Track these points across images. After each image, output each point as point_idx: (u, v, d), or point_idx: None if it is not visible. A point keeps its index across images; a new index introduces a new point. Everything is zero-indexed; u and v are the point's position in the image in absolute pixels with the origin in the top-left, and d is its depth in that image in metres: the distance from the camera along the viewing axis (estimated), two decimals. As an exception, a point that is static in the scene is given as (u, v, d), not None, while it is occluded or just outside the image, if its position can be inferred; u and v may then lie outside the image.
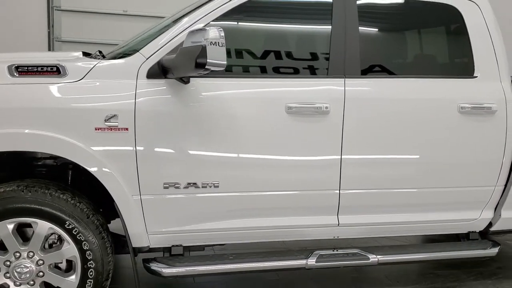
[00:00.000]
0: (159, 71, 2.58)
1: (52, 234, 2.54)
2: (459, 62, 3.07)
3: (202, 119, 2.61)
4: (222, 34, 2.26)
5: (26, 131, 2.43)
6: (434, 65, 3.16)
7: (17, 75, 2.50)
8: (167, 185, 2.62)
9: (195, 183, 2.65)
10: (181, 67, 2.40)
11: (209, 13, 2.70)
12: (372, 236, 3.02)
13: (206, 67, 2.26)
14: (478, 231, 3.21)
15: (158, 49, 2.62)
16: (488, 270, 3.61)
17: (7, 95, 2.45)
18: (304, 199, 2.81)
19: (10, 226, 2.49)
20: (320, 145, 2.76)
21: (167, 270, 2.66)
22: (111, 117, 2.50)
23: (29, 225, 2.53)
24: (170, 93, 2.58)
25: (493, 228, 3.19)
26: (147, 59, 2.60)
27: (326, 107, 2.72)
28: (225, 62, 2.28)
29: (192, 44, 2.35)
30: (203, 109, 2.61)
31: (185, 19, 2.71)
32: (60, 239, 2.58)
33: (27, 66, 2.54)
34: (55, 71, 2.54)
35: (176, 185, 2.63)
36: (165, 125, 2.56)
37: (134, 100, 2.53)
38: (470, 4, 3.07)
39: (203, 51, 2.23)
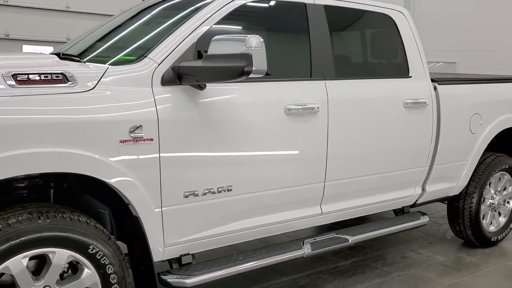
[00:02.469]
0: (175, 77, 2.49)
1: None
2: (398, 64, 3.59)
3: (217, 124, 2.60)
4: (262, 42, 2.32)
5: (50, 149, 2.12)
6: (381, 67, 3.64)
7: (17, 84, 2.15)
8: (187, 194, 2.55)
9: (212, 189, 2.63)
10: (217, 74, 2.36)
11: (210, 17, 2.68)
12: (341, 219, 3.37)
13: (251, 75, 2.30)
14: (409, 205, 3.82)
15: (168, 54, 2.51)
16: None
17: (9, 108, 2.09)
18: (299, 193, 3.01)
19: (25, 261, 2.15)
20: (312, 142, 2.98)
21: (190, 280, 2.60)
22: (136, 128, 2.34)
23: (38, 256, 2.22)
24: (187, 99, 2.51)
25: (419, 201, 3.84)
26: (159, 64, 2.48)
27: (318, 107, 2.95)
28: (266, 69, 2.34)
29: (221, 52, 2.35)
30: (218, 115, 2.60)
31: (188, 23, 2.63)
32: (74, 267, 2.32)
33: (27, 74, 2.20)
34: (61, 79, 2.25)
35: (195, 193, 2.58)
36: (185, 133, 2.49)
37: (155, 109, 2.40)
38: (399, 13, 3.61)
39: (249, 59, 2.26)
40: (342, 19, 3.30)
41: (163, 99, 2.44)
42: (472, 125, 3.92)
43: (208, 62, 2.38)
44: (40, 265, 2.24)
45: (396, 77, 3.51)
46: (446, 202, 4.28)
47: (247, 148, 2.71)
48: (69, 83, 2.26)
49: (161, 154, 2.42)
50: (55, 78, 2.25)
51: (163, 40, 2.56)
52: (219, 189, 2.66)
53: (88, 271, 2.31)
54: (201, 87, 2.53)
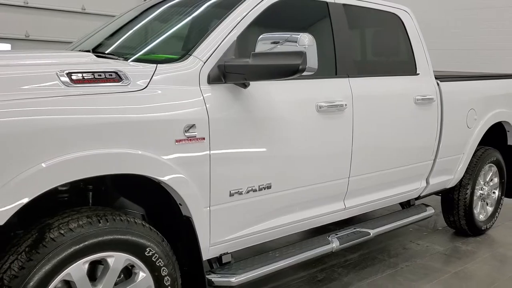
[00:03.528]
0: (220, 75, 2.47)
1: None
2: (407, 62, 3.71)
3: (259, 122, 2.60)
4: (314, 39, 2.35)
5: (115, 150, 2.06)
6: (392, 65, 3.74)
7: (72, 83, 2.07)
8: (233, 193, 2.55)
9: (254, 187, 2.64)
10: (269, 72, 2.37)
11: (246, 14, 2.68)
12: (360, 213, 3.46)
13: (305, 72, 2.32)
14: (415, 198, 3.97)
15: (212, 52, 2.50)
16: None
17: (69, 108, 2.01)
18: (328, 189, 3.06)
19: (85, 267, 2.08)
20: (340, 138, 3.04)
21: (236, 279, 2.59)
22: (190, 127, 2.31)
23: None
24: (231, 98, 2.50)
25: (423, 194, 4.00)
26: (204, 63, 2.46)
27: (345, 104, 3.02)
28: (317, 67, 2.37)
29: (270, 50, 2.36)
30: (259, 113, 2.61)
31: (227, 21, 2.61)
32: (127, 271, 2.26)
33: (82, 73, 2.12)
34: (114, 78, 2.19)
35: (240, 191, 2.58)
36: (231, 131, 2.48)
37: (205, 108, 2.38)
38: (404, 12, 3.74)
39: (304, 57, 2.29)
40: (357, 18, 3.38)
41: (211, 98, 2.42)
42: (469, 120, 4.11)
43: (257, 60, 2.38)
44: (93, 270, 2.17)
45: (406, 75, 3.64)
46: (440, 194, 4.47)
47: (284, 146, 2.73)
48: (122, 81, 2.20)
49: (211, 153, 2.40)
50: (108, 76, 2.18)
51: (205, 38, 2.54)
52: (260, 187, 2.66)
53: (143, 275, 2.26)
54: (245, 85, 2.53)
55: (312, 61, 2.34)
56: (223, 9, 2.80)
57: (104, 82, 2.16)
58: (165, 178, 2.24)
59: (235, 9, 2.68)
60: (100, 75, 2.16)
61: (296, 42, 2.32)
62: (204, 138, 2.36)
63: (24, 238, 2.00)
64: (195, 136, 2.33)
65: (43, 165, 1.89)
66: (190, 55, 2.47)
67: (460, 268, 3.88)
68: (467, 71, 5.13)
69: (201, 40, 2.53)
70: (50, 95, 1.98)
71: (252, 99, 2.58)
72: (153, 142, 2.20)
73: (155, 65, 2.36)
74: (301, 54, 2.28)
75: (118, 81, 2.19)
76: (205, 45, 2.51)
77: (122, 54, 2.70)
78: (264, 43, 2.40)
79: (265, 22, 2.84)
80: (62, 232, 2.00)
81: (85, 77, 2.12)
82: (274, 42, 2.38)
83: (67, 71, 2.09)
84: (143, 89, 2.24)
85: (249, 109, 2.56)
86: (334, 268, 3.77)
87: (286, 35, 2.36)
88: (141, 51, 2.72)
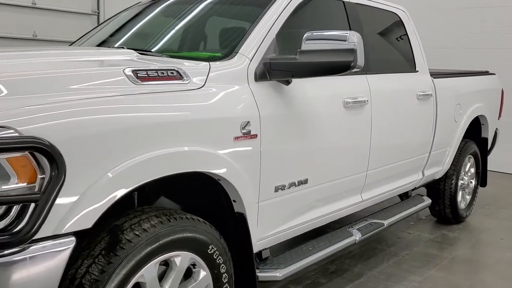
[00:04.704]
0: (265, 72, 2.50)
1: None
2: (408, 60, 3.88)
3: (299, 118, 2.65)
4: (361, 38, 2.44)
5: (186, 148, 2.04)
6: (396, 62, 3.89)
7: (139, 81, 2.03)
8: (277, 188, 2.58)
9: (294, 182, 2.69)
10: (319, 69, 2.42)
11: (282, 12, 2.72)
12: (371, 205, 3.59)
13: (354, 69, 2.40)
14: (412, 189, 4.16)
15: (256, 50, 2.52)
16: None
17: (136, 107, 1.98)
18: (351, 183, 3.16)
19: (156, 267, 2.05)
20: (361, 133, 3.15)
21: (281, 273, 2.63)
22: (246, 124, 2.32)
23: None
24: (276, 95, 2.54)
25: (418, 185, 4.21)
26: (251, 60, 2.48)
27: (366, 100, 3.13)
28: (363, 63, 2.46)
29: (317, 48, 2.42)
30: (299, 109, 2.66)
31: (265, 18, 2.64)
32: (187, 271, 2.24)
33: (146, 71, 2.09)
34: (175, 76, 2.17)
35: (283, 187, 2.62)
36: (277, 128, 2.51)
37: (256, 105, 2.40)
38: (402, 11, 3.92)
39: (355, 54, 2.37)
40: (367, 17, 3.49)
41: (259, 95, 2.45)
42: (456, 114, 4.37)
43: (306, 58, 2.43)
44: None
45: (407, 72, 3.81)
46: (425, 185, 4.72)
47: (318, 141, 2.80)
48: (183, 79, 2.18)
49: (261, 149, 2.42)
50: (170, 74, 2.16)
51: (248, 35, 2.55)
52: (298, 182, 2.72)
53: (204, 273, 2.25)
54: (288, 82, 2.57)
55: (361, 58, 2.42)
56: (253, 6, 2.83)
57: (167, 80, 2.13)
58: (226, 175, 2.24)
59: (270, 6, 2.72)
60: (163, 73, 2.13)
61: (345, 40, 2.39)
62: (256, 135, 2.38)
63: (95, 241, 1.94)
64: (250, 133, 2.35)
65: (128, 163, 1.85)
66: (236, 52, 2.48)
67: (455, 254, 4.12)
68: (444, 69, 5.41)
69: (244, 37, 2.55)
70: (126, 93, 1.94)
71: (292, 96, 2.63)
72: (215, 140, 2.20)
73: (208, 63, 2.35)
74: (353, 52, 2.35)
75: (179, 79, 2.17)
76: (248, 42, 2.53)
77: (158, 51, 2.66)
78: (310, 41, 2.45)
79: (291, 20, 2.89)
80: (137, 233, 1.95)
81: (150, 75, 2.08)
82: (319, 39, 2.44)
83: (132, 69, 2.05)
84: (201, 87, 2.23)
85: (290, 106, 2.61)
86: (342, 259, 3.88)
87: (334, 33, 2.43)
88: (178, 48, 2.69)
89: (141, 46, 2.84)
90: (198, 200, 2.54)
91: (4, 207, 1.59)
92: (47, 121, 1.66)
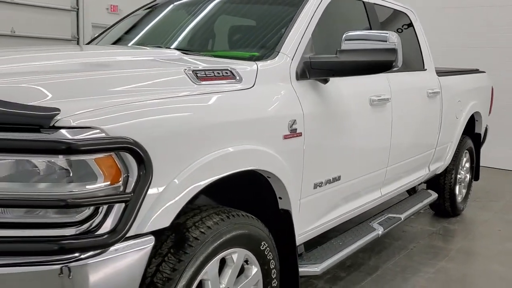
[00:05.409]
0: (305, 71, 2.55)
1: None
2: (417, 58, 4.00)
3: (334, 116, 2.72)
4: (399, 38, 2.52)
5: (248, 146, 2.08)
6: (408, 61, 4.00)
7: (199, 81, 2.06)
8: (316, 185, 2.64)
9: (329, 179, 2.75)
10: (360, 68, 2.49)
11: (316, 11, 2.78)
12: (385, 201, 3.70)
13: (395, 68, 2.48)
14: (419, 184, 4.30)
15: (296, 49, 2.57)
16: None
17: (204, 106, 2.00)
18: (374, 178, 3.26)
19: (217, 264, 2.08)
20: (384, 130, 3.24)
21: (319, 268, 2.69)
22: (293, 123, 2.37)
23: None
24: (315, 93, 2.59)
25: (424, 180, 4.34)
26: (292, 59, 2.52)
27: (389, 98, 3.23)
28: (401, 63, 2.54)
29: (356, 47, 2.49)
30: (334, 107, 2.72)
31: (300, 18, 2.69)
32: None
33: (204, 71, 2.11)
34: (229, 75, 2.20)
35: (320, 184, 2.68)
36: (318, 126, 2.57)
37: (299, 103, 2.45)
38: (410, 11, 4.04)
39: (396, 54, 2.45)
40: (382, 17, 3.59)
41: (301, 94, 2.50)
42: (457, 110, 4.53)
43: (347, 57, 2.49)
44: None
45: (418, 70, 3.93)
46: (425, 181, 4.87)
47: (349, 138, 2.87)
48: (237, 79, 2.21)
49: (304, 148, 2.48)
50: (224, 74, 2.18)
51: (287, 34, 2.60)
52: (333, 179, 2.78)
53: (255, 269, 2.29)
54: (326, 81, 2.63)
55: (400, 58, 2.50)
56: (283, 6, 2.87)
57: (223, 80, 2.16)
58: (277, 173, 2.29)
59: (304, 6, 2.77)
60: (219, 73, 2.16)
61: (385, 40, 2.46)
62: (301, 133, 2.43)
63: (161, 240, 1.95)
64: (296, 131, 2.40)
65: (201, 161, 1.87)
66: (278, 51, 2.52)
67: (459, 246, 4.28)
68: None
69: (283, 36, 2.59)
70: (191, 93, 1.96)
71: (329, 94, 2.69)
72: (268, 139, 2.24)
73: (255, 62, 2.39)
74: (394, 52, 2.43)
75: (233, 79, 2.20)
76: (288, 41, 2.57)
77: (196, 50, 2.68)
78: (349, 41, 2.51)
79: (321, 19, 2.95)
80: (202, 230, 1.98)
81: (208, 75, 2.11)
82: (358, 40, 2.51)
83: (192, 69, 2.07)
84: (252, 86, 2.26)
85: (327, 104, 2.67)
86: (355, 253, 3.96)
87: (374, 33, 2.50)
88: (211, 48, 2.71)
89: (172, 45, 2.86)
90: (237, 198, 2.57)
91: (91, 208, 1.59)
92: (131, 120, 1.67)
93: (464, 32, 7.45)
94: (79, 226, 1.59)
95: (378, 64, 2.46)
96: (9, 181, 1.57)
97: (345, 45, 2.51)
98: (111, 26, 3.54)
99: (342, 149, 2.82)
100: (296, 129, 2.39)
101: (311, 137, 2.51)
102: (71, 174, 1.58)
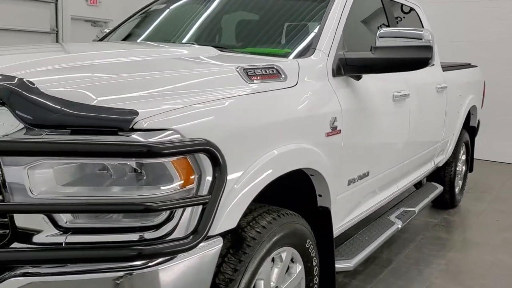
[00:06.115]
0: (340, 68, 2.55)
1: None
2: (426, 53, 4.05)
3: (366, 113, 2.74)
4: (433, 35, 2.55)
5: (303, 145, 2.07)
6: None
7: (250, 80, 2.04)
8: (350, 182, 2.66)
9: (360, 175, 2.77)
10: (396, 65, 2.51)
11: (344, 7, 2.78)
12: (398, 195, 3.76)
13: (430, 65, 2.52)
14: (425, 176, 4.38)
15: (331, 46, 2.57)
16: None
17: (257, 106, 1.99)
18: (394, 173, 3.30)
19: (270, 264, 2.07)
20: (403, 125, 3.28)
21: (352, 264, 2.72)
22: (334, 120, 2.37)
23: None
24: (349, 90, 2.60)
25: (429, 173, 4.43)
26: (328, 56, 2.52)
27: (409, 93, 3.27)
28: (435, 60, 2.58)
29: (389, 45, 2.51)
30: (366, 103, 2.74)
31: (331, 14, 2.69)
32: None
33: (254, 69, 2.09)
34: (275, 74, 2.18)
35: (353, 180, 2.70)
36: (354, 123, 2.58)
37: (338, 100, 2.46)
38: (417, 7, 4.09)
39: (432, 51, 2.48)
40: (396, 12, 3.63)
41: (338, 90, 2.50)
42: (458, 105, 4.63)
43: (382, 54, 2.51)
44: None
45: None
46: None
47: (377, 133, 2.90)
48: (282, 77, 2.20)
49: (342, 145, 2.49)
50: (271, 72, 2.16)
51: (321, 31, 2.59)
52: (363, 175, 2.81)
53: (300, 267, 2.29)
54: (359, 78, 2.65)
55: (434, 55, 2.54)
56: (311, 1, 2.87)
57: (271, 78, 2.14)
58: (321, 170, 2.29)
59: (333, 2, 2.77)
60: (266, 71, 2.14)
61: (420, 38, 2.49)
62: (340, 130, 2.44)
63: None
64: (336, 128, 2.40)
65: (262, 161, 1.86)
66: (314, 48, 2.52)
67: (463, 236, 4.40)
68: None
69: (317, 33, 2.59)
70: (247, 92, 1.94)
71: (360, 90, 2.70)
72: (313, 137, 2.24)
73: (295, 60, 2.38)
74: (430, 49, 2.47)
75: (279, 77, 2.19)
76: (323, 38, 2.57)
77: (227, 47, 2.64)
78: (383, 38, 2.53)
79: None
80: (258, 230, 1.97)
81: (257, 73, 2.08)
82: (392, 37, 2.52)
83: (243, 67, 2.05)
84: (296, 84, 2.25)
85: (360, 100, 2.68)
86: (366, 247, 4.03)
87: (408, 30, 2.52)
88: (240, 44, 2.68)
89: (201, 41, 2.82)
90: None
91: (167, 212, 1.56)
92: (203, 120, 1.65)
93: (445, 26, 7.53)
94: (155, 230, 1.56)
95: (415, 61, 2.49)
96: (81, 185, 1.52)
97: (380, 42, 2.53)
98: (125, 22, 3.46)
99: (371, 145, 2.84)
100: (336, 127, 2.40)
101: (347, 134, 2.51)
102: (145, 177, 1.54)
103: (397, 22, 3.72)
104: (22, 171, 1.45)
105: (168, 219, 1.56)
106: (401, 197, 4.01)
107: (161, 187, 1.55)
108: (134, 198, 1.49)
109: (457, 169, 5.08)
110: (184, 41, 2.83)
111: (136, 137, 1.49)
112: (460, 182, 5.30)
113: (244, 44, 2.77)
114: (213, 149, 1.56)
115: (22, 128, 1.50)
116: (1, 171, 1.47)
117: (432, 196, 4.15)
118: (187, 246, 1.49)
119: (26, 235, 1.49)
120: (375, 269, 3.63)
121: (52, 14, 8.12)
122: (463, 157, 5.32)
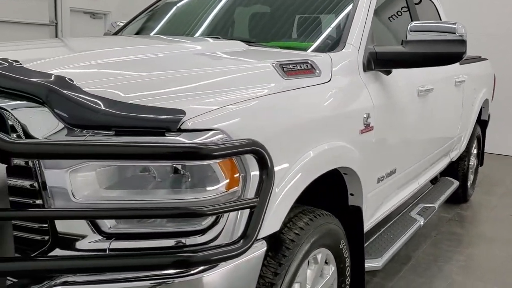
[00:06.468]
0: (370, 62, 2.48)
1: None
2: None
3: (395, 109, 2.67)
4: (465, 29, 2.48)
5: (339, 143, 2.00)
6: None
7: (286, 76, 1.96)
8: (379, 180, 2.59)
9: (388, 172, 2.71)
10: (429, 59, 2.44)
11: (370, 2, 2.70)
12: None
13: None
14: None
15: (361, 40, 2.49)
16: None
17: (296, 103, 1.91)
18: (417, 169, 3.24)
19: (306, 266, 2.00)
20: (426, 120, 3.22)
21: (380, 263, 2.66)
22: (367, 116, 2.30)
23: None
24: (379, 85, 2.53)
25: (444, 168, 4.37)
26: (358, 50, 2.45)
27: (432, 88, 3.20)
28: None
29: (421, 38, 2.44)
30: (395, 99, 2.67)
31: (359, 7, 2.61)
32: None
33: (290, 64, 2.01)
34: (310, 69, 2.11)
35: (382, 178, 2.63)
36: (383, 118, 2.51)
37: (370, 96, 2.39)
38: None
39: (465, 45, 2.41)
40: (417, 5, 3.55)
41: (369, 86, 2.43)
42: (472, 98, 4.57)
43: (414, 48, 2.44)
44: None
45: (446, 59, 3.92)
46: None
47: (405, 129, 2.84)
48: (317, 73, 2.12)
49: (374, 141, 2.42)
50: (305, 68, 2.08)
51: (350, 23, 2.52)
52: (390, 171, 2.75)
53: (333, 268, 2.23)
54: (389, 72, 2.57)
55: (467, 48, 2.47)
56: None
57: (306, 74, 2.06)
58: (356, 170, 2.22)
59: None
60: (301, 66, 2.06)
61: (453, 32, 2.42)
62: (373, 127, 2.37)
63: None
64: (369, 125, 2.33)
65: (304, 161, 1.79)
66: (345, 42, 2.44)
67: (478, 231, 4.35)
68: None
69: (346, 26, 2.51)
70: (284, 88, 1.86)
71: (390, 85, 2.63)
72: (348, 134, 2.17)
73: (327, 54, 2.30)
74: (464, 43, 2.39)
75: (313, 72, 2.11)
76: (352, 31, 2.49)
77: (252, 41, 2.56)
78: (414, 32, 2.45)
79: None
80: (296, 232, 1.90)
81: (293, 69, 2.01)
82: (424, 31, 2.45)
83: (279, 63, 1.97)
84: (330, 80, 2.18)
85: (389, 96, 2.61)
86: (383, 243, 3.98)
87: (441, 24, 2.45)
88: (269, 38, 2.60)
89: (221, 34, 2.73)
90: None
91: (213, 216, 1.48)
92: (248, 120, 1.57)
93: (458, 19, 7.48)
94: (201, 235, 1.48)
95: (449, 56, 2.42)
96: (123, 188, 1.45)
97: (411, 36, 2.46)
98: (138, 15, 3.36)
99: (399, 141, 2.78)
100: (369, 123, 2.33)
101: (379, 130, 2.45)
102: (189, 179, 1.47)
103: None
104: (65, 175, 1.37)
105: (214, 223, 1.49)
106: (418, 193, 3.96)
107: (207, 190, 1.48)
108: (184, 202, 1.42)
109: (469, 163, 5.04)
110: (202, 35, 2.74)
111: (181, 138, 1.41)
112: (472, 176, 5.26)
113: (268, 38, 2.69)
114: (262, 150, 1.48)
115: (62, 129, 1.42)
116: (40, 174, 1.39)
117: (450, 191, 4.10)
118: (238, 252, 1.42)
119: (67, 241, 1.42)
120: (395, 266, 3.58)
121: (50, 6, 7.97)
122: (475, 151, 5.27)
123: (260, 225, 1.51)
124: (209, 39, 2.55)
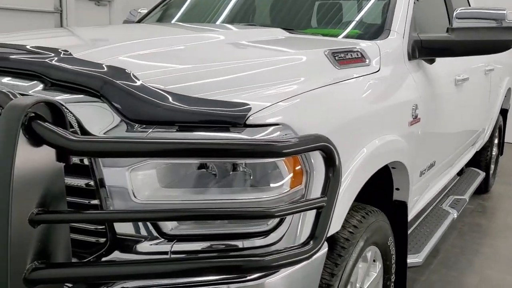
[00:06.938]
0: (415, 50, 2.37)
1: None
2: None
3: (438, 99, 2.57)
4: (513, 15, 2.37)
5: (391, 137, 1.90)
6: None
7: (339, 65, 1.85)
8: (421, 173, 2.51)
9: (429, 165, 2.62)
10: (479, 47, 2.33)
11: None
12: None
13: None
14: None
15: (404, 26, 2.38)
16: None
17: (353, 95, 1.81)
18: (452, 160, 3.16)
19: (359, 265, 1.92)
20: (463, 110, 3.12)
21: (420, 259, 2.59)
22: (416, 108, 2.20)
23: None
24: (422, 74, 2.43)
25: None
26: (403, 38, 2.34)
27: (467, 78, 3.10)
28: (514, 41, 2.40)
29: (468, 26, 2.33)
30: (439, 89, 2.57)
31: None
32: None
33: (341, 53, 1.90)
34: (360, 57, 2.00)
35: (424, 171, 2.54)
36: (429, 110, 2.41)
37: (416, 86, 2.28)
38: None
39: (515, 33, 2.30)
40: None
41: (415, 75, 2.33)
42: (497, 87, 4.46)
43: (460, 36, 2.33)
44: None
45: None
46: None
47: (445, 120, 2.74)
48: (367, 62, 2.02)
49: (420, 134, 2.32)
50: (356, 56, 1.98)
51: (393, 9, 2.40)
52: (430, 164, 2.66)
53: (379, 266, 2.15)
54: (432, 61, 2.47)
55: (514, 36, 2.36)
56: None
57: (357, 62, 1.96)
58: (406, 163, 2.13)
59: None
60: (351, 55, 1.96)
61: (503, 18, 2.31)
62: (420, 119, 2.28)
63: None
64: (417, 117, 2.24)
65: (362, 156, 1.70)
66: (389, 29, 2.33)
67: (503, 222, 4.28)
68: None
69: (389, 12, 2.40)
70: (340, 79, 1.76)
71: (432, 75, 2.53)
72: (398, 127, 2.07)
73: (375, 42, 2.19)
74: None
75: (364, 61, 2.00)
76: (396, 17, 2.38)
77: (290, 28, 2.45)
78: (461, 20, 2.35)
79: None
80: (350, 230, 1.81)
81: (343, 57, 1.90)
82: (471, 18, 2.34)
83: (331, 51, 1.86)
84: (378, 70, 2.07)
85: (434, 86, 2.51)
86: (409, 235, 3.90)
87: (490, 11, 2.34)
88: (306, 25, 2.49)
89: (256, 22, 2.62)
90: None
91: (277, 218, 1.39)
92: (311, 114, 1.47)
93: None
94: (265, 237, 1.39)
95: (499, 44, 2.31)
96: (183, 187, 1.35)
97: (457, 23, 2.35)
98: (163, 2, 3.24)
99: (440, 133, 2.68)
100: (417, 115, 2.23)
101: (425, 122, 2.35)
102: (251, 177, 1.37)
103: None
104: (125, 173, 1.27)
105: (279, 224, 1.40)
106: (448, 184, 3.88)
107: (271, 188, 1.38)
108: (249, 202, 1.33)
109: (492, 153, 4.95)
110: (232, 21, 2.62)
111: (244, 135, 1.31)
112: (492, 166, 5.17)
113: (305, 25, 2.58)
114: (330, 146, 1.38)
115: (118, 124, 1.31)
116: (97, 173, 1.29)
117: (477, 182, 4.02)
118: (309, 254, 1.32)
119: (127, 244, 1.32)
120: (426, 259, 3.50)
121: (61, -7, 7.81)
122: (496, 141, 5.18)
123: (329, 226, 1.41)
124: (246, 27, 2.43)
